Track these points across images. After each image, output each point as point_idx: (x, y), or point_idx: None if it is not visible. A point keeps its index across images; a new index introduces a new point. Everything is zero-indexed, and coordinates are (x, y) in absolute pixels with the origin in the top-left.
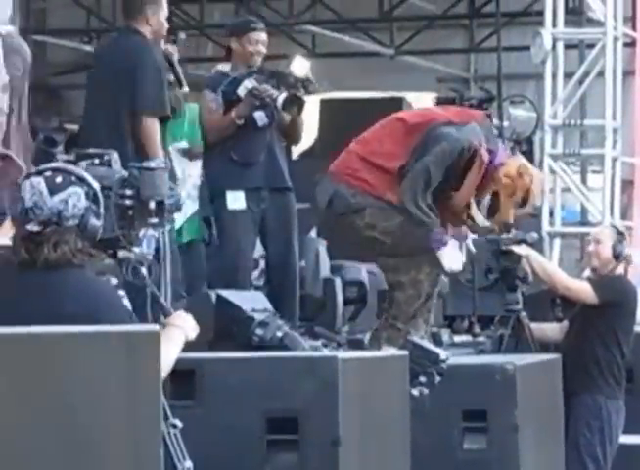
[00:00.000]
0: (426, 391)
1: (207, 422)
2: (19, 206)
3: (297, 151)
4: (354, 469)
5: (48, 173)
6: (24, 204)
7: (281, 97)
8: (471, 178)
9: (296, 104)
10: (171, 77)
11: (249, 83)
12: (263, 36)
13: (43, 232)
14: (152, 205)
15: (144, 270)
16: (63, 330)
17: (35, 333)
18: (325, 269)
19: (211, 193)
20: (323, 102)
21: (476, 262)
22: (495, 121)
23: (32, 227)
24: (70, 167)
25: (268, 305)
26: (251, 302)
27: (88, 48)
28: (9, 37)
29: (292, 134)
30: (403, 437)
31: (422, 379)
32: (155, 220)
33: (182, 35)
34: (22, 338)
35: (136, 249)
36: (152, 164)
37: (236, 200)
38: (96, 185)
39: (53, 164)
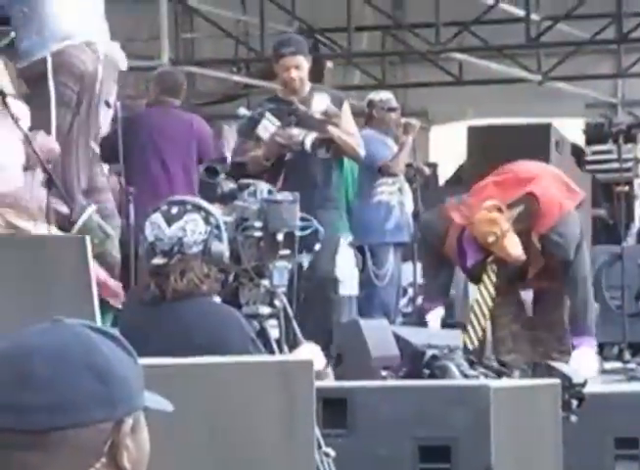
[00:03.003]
0: (570, 416)
1: (359, 450)
2: (144, 245)
3: (442, 178)
4: None
5: (164, 207)
6: (147, 240)
7: (308, 141)
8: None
9: (324, 145)
10: None
11: (270, 125)
12: (295, 61)
13: (169, 263)
14: (280, 237)
15: (277, 301)
16: (220, 360)
17: (191, 364)
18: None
19: None
20: (470, 129)
21: (626, 288)
22: None
23: (158, 260)
24: (187, 198)
25: (454, 342)
26: (432, 337)
27: (237, 78)
28: (65, 55)
29: (343, 154)
30: (555, 466)
31: None
32: (286, 252)
33: (329, 64)
34: (184, 368)
35: (265, 281)
36: (278, 197)
37: None
38: (214, 211)
39: (168, 199)
